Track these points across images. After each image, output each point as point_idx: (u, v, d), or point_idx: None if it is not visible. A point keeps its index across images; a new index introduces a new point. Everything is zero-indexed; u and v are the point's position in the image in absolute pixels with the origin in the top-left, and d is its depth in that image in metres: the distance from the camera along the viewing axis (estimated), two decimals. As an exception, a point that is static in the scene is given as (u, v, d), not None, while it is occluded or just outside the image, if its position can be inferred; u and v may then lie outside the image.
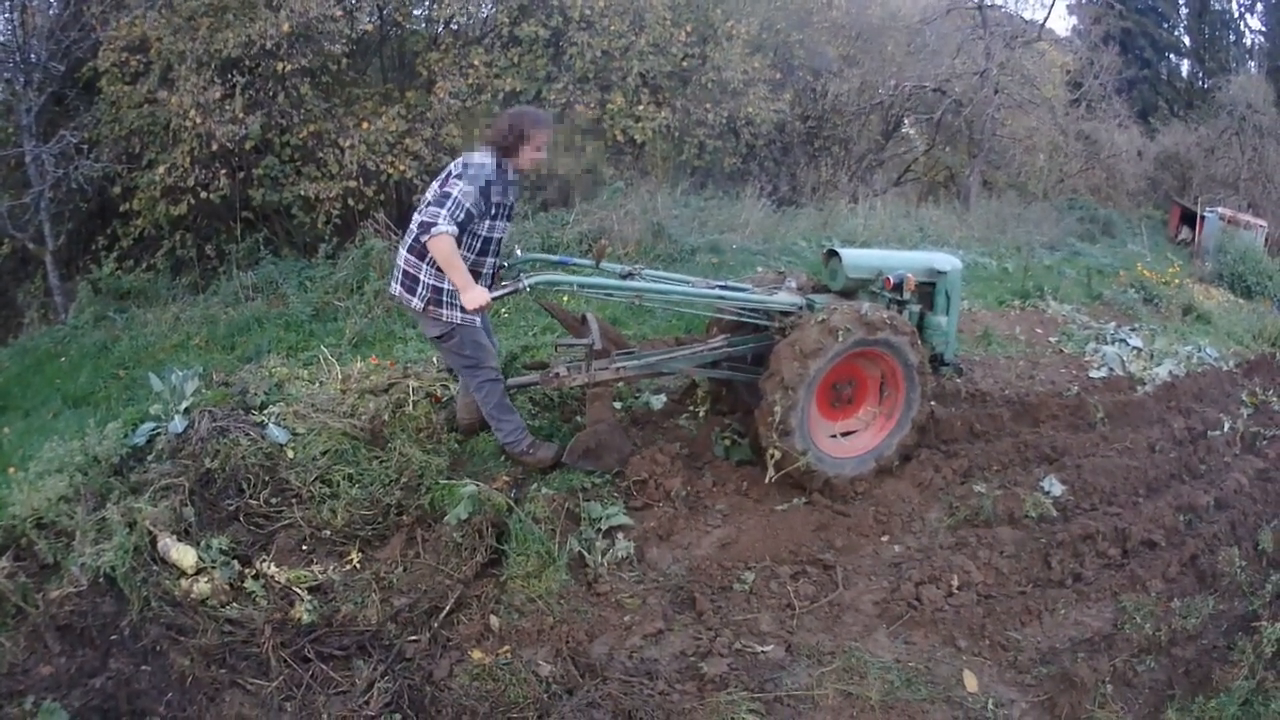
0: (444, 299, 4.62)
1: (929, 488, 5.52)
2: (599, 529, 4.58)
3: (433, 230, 4.31)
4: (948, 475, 5.66)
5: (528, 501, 4.53)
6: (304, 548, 4.35)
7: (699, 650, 3.91)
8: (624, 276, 5.08)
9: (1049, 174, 20.47)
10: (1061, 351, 8.99)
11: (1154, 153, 24.08)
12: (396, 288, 4.76)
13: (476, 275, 4.60)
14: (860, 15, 18.08)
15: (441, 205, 4.38)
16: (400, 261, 4.75)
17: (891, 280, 5.26)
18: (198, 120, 9.07)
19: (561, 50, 11.13)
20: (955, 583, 4.57)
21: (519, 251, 5.51)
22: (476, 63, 10.77)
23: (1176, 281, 13.17)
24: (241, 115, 9.30)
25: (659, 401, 6.01)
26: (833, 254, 5.49)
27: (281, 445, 4.80)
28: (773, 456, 4.86)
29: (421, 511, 4.56)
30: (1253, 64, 30.22)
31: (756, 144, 13.95)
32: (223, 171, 9.52)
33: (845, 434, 5.43)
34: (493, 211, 4.62)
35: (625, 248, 8.59)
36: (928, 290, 5.61)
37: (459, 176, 4.52)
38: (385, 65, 12.26)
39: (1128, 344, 9.40)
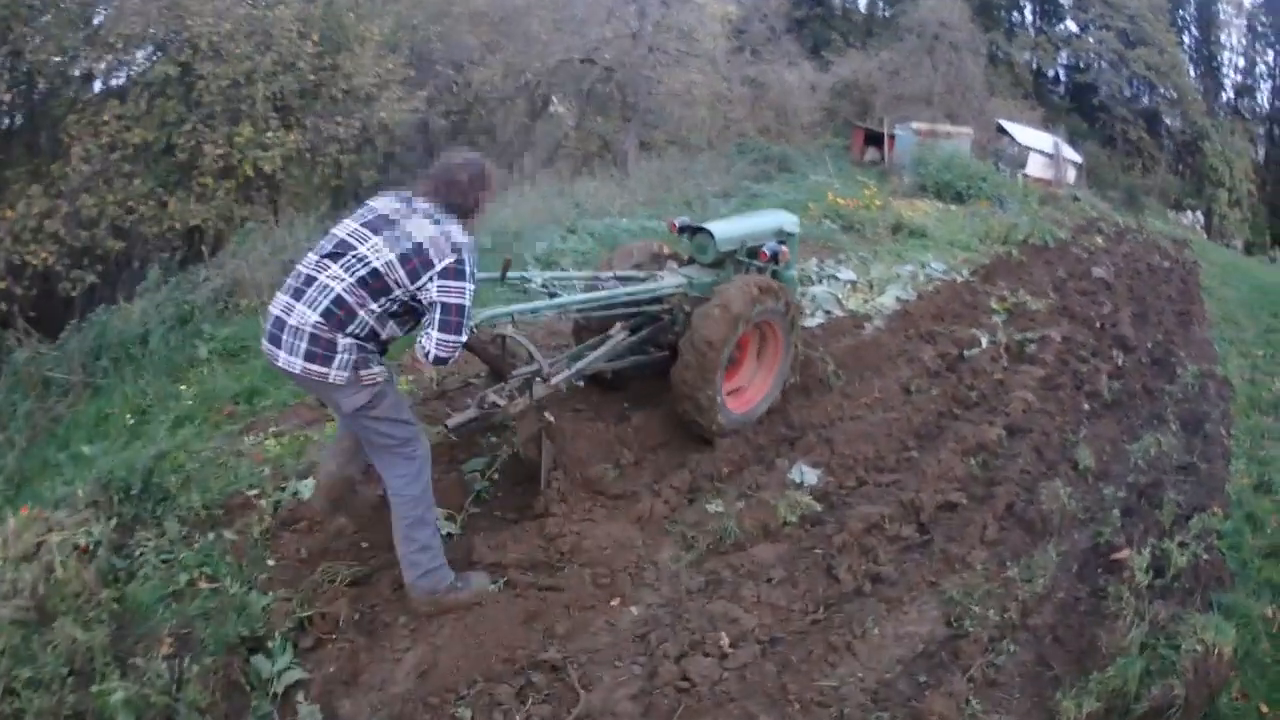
0: (371, 358, 3.76)
1: (651, 521, 4.47)
2: (274, 694, 3.36)
3: (456, 358, 3.76)
4: (669, 499, 4.63)
5: (185, 685, 3.32)
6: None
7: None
8: (550, 292, 5.29)
9: (711, 124, 20.86)
10: (756, 306, 8.26)
11: (829, 84, 25.14)
12: (297, 360, 3.67)
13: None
14: (503, -1, 17.89)
15: (460, 328, 3.67)
16: (304, 326, 3.66)
17: (767, 253, 5.72)
18: None
19: (191, 87, 10.41)
20: (725, 640, 3.58)
21: None
22: (108, 118, 9.92)
23: (879, 203, 13.04)
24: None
25: (307, 488, 4.63)
26: (700, 230, 5.82)
27: (-35, 651, 3.59)
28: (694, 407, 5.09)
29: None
30: (945, -15, 32.70)
31: (395, 150, 13.74)
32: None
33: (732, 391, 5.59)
34: None
35: (261, 296, 6.99)
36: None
37: (459, 273, 3.67)
38: (31, 139, 11.12)
39: (838, 279, 8.71)
